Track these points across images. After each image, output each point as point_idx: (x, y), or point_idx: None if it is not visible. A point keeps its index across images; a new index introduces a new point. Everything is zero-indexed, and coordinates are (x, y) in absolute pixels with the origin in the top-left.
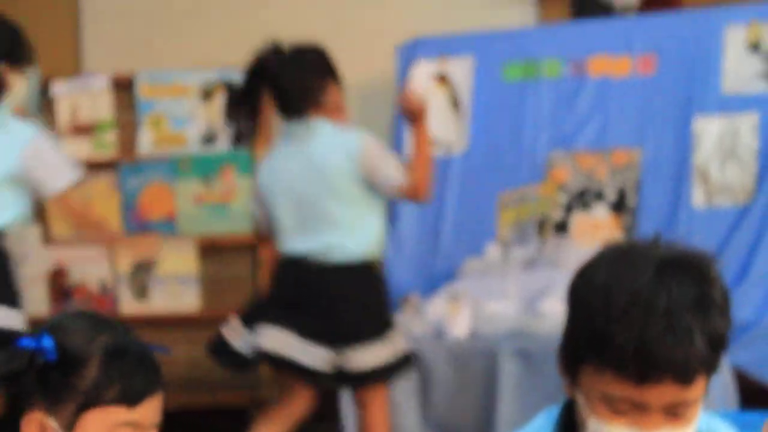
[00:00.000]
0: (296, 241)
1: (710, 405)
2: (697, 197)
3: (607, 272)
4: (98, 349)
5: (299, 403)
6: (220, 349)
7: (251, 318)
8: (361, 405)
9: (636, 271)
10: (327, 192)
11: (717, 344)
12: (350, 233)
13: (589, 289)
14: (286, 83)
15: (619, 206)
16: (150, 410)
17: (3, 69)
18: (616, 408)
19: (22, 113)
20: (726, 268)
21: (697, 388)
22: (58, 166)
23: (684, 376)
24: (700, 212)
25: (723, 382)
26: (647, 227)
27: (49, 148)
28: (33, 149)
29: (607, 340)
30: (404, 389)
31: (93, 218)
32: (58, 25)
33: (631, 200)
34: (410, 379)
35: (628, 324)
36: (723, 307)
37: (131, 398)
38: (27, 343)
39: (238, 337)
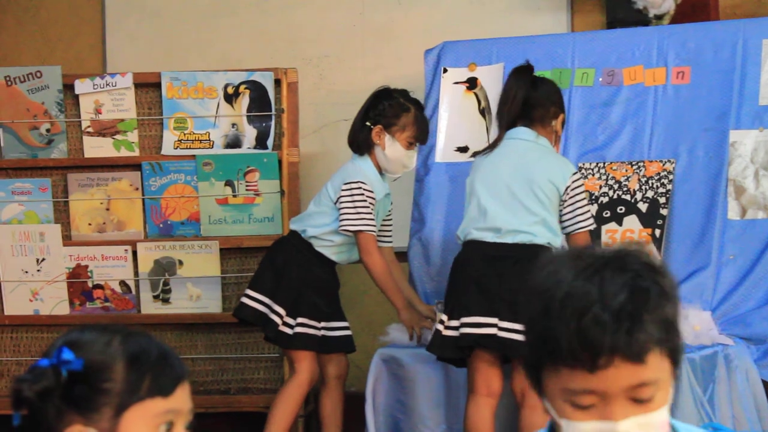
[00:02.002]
0: None
1: (742, 423)
2: (731, 210)
3: (544, 278)
4: (118, 351)
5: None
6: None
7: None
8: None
9: (569, 271)
10: None
11: (661, 322)
12: None
13: (530, 296)
14: (538, 100)
15: (650, 218)
16: (184, 396)
17: (377, 130)
18: (581, 404)
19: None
20: (760, 283)
21: (654, 368)
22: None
23: (632, 353)
24: (734, 225)
25: (754, 397)
26: (679, 239)
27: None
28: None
29: (553, 337)
30: (431, 399)
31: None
32: (82, 24)
33: (663, 212)
34: (437, 386)
35: (567, 317)
36: (662, 291)
37: (165, 388)
38: (46, 362)
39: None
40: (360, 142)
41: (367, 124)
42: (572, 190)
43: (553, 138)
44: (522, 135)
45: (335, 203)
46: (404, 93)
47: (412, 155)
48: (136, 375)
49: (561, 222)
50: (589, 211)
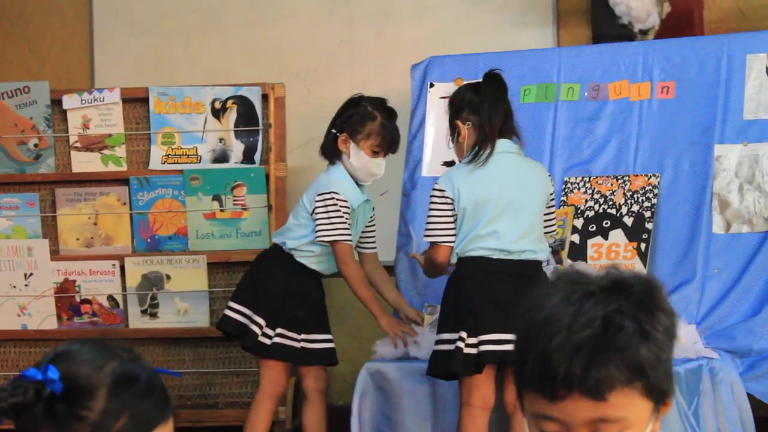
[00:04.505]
0: None
1: None
2: (716, 224)
3: (533, 300)
4: (106, 379)
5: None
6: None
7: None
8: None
9: (557, 295)
10: None
11: (630, 362)
12: None
13: (518, 317)
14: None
15: (636, 232)
16: None
17: (343, 138)
18: (546, 430)
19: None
20: (744, 297)
21: (619, 406)
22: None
23: (588, 389)
24: (719, 239)
25: (739, 410)
26: (664, 253)
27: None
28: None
29: (523, 360)
30: (417, 413)
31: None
32: (71, 39)
33: (648, 226)
34: (423, 400)
35: (535, 342)
36: (640, 329)
37: (140, 428)
38: (32, 374)
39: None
40: (327, 150)
41: (333, 131)
42: (552, 194)
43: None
44: (509, 148)
45: (311, 214)
46: (374, 101)
47: (380, 163)
48: (114, 408)
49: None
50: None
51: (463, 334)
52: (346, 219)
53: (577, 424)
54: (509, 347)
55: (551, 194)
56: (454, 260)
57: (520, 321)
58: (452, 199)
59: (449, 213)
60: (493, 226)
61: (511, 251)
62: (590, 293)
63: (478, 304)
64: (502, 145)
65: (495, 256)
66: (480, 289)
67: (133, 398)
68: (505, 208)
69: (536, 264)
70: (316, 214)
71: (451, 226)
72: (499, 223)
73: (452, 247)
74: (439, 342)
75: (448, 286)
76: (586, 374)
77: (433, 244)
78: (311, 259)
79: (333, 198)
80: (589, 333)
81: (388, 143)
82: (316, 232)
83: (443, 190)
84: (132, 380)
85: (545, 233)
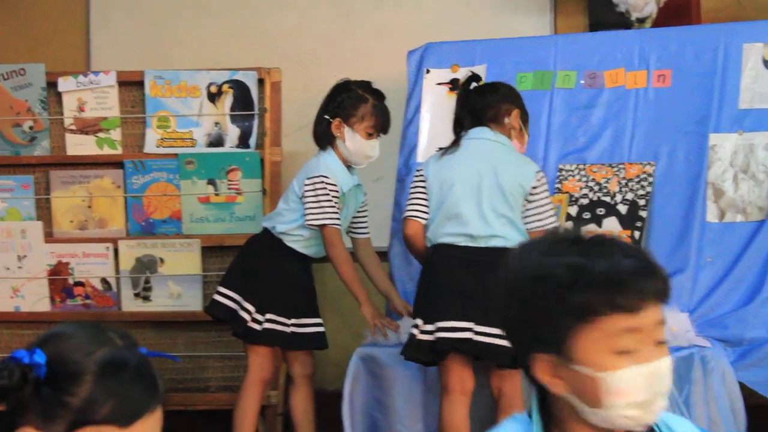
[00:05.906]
0: None
1: (718, 425)
2: (710, 212)
3: (559, 256)
4: (94, 365)
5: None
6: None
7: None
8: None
9: (570, 247)
10: None
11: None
12: None
13: (550, 273)
14: (483, 104)
15: (630, 220)
16: (146, 428)
17: (336, 123)
18: (622, 346)
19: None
20: (737, 286)
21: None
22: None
23: (665, 295)
24: (712, 228)
25: (730, 399)
26: (658, 241)
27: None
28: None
29: (605, 288)
30: (409, 399)
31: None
32: (67, 21)
33: (642, 214)
34: (415, 385)
35: (614, 273)
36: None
37: (125, 417)
38: (20, 356)
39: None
40: (321, 136)
41: (326, 117)
42: (536, 188)
43: (512, 133)
44: (482, 134)
45: (301, 198)
46: (363, 84)
47: (374, 145)
48: (100, 395)
49: (524, 219)
50: (552, 209)
51: (419, 321)
52: (335, 203)
53: (651, 328)
54: (464, 335)
55: (534, 188)
56: (428, 244)
57: (557, 280)
58: (425, 178)
59: (421, 189)
60: (458, 208)
61: (476, 237)
62: (597, 238)
63: (440, 291)
64: (476, 131)
65: (461, 243)
66: (442, 276)
67: (120, 386)
68: (470, 189)
69: (506, 251)
70: (305, 197)
71: (422, 201)
72: (462, 206)
73: (421, 223)
74: (411, 327)
75: (420, 274)
76: (663, 284)
77: (404, 219)
78: (301, 243)
79: (322, 182)
80: (644, 255)
81: (381, 124)
82: (305, 215)
83: (419, 170)
84: (120, 367)
85: (529, 229)
